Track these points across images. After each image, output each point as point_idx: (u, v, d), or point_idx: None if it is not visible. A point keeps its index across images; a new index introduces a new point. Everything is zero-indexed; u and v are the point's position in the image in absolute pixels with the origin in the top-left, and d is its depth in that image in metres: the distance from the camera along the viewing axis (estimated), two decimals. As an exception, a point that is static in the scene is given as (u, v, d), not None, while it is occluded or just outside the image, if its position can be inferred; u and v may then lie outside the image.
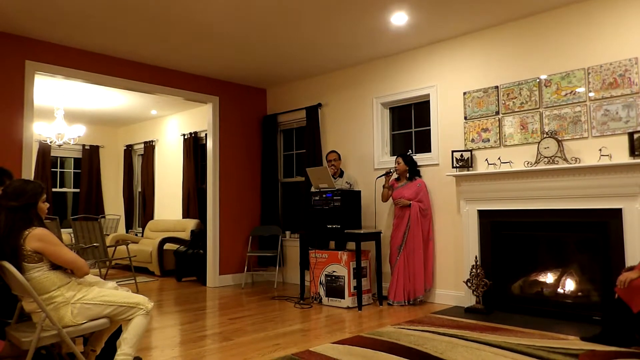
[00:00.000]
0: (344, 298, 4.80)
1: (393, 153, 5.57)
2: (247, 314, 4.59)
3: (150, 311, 2.65)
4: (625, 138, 3.84)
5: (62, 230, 6.35)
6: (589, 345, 3.28)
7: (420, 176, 5.04)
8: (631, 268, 3.30)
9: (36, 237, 2.43)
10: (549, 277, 4.40)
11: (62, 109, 7.35)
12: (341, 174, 5.48)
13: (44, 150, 8.74)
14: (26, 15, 4.28)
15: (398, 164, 5.02)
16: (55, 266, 2.50)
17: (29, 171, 4.71)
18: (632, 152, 3.76)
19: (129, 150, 9.57)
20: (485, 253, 4.58)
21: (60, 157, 9.48)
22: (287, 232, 6.60)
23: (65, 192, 9.62)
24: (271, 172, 6.73)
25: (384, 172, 5.11)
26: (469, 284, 4.50)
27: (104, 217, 9.40)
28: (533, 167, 4.23)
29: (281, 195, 6.86)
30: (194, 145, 8.02)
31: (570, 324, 3.90)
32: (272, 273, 6.53)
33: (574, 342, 3.37)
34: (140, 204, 9.31)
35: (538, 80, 4.35)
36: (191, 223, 7.54)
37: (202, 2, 4.06)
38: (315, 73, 6.19)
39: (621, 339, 3.24)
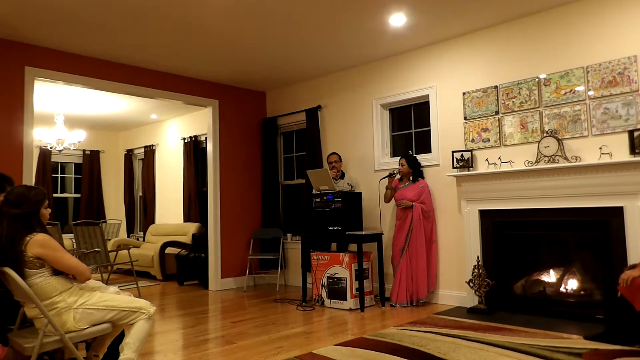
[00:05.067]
0: (346, 300, 4.80)
1: (393, 154, 5.57)
2: (249, 317, 4.58)
3: (153, 315, 2.65)
4: (626, 136, 3.84)
5: (64, 235, 6.35)
6: (592, 344, 3.27)
7: (423, 177, 5.03)
8: (633, 266, 3.29)
9: (37, 243, 2.43)
10: (551, 277, 4.39)
11: (62, 114, 7.36)
12: (342, 176, 5.48)
13: (45, 155, 8.74)
14: (25, 21, 4.29)
15: (402, 165, 5.00)
16: (57, 272, 2.49)
17: (29, 177, 4.71)
18: (633, 150, 3.76)
19: (129, 155, 9.58)
20: (487, 253, 4.58)
21: (61, 163, 9.49)
22: (289, 235, 6.59)
23: (66, 198, 9.63)
24: (272, 174, 6.73)
25: (386, 173, 5.11)
26: (471, 284, 4.49)
27: (105, 222, 9.40)
28: (533, 167, 4.23)
29: (282, 198, 6.86)
30: (194, 149, 8.02)
31: (574, 323, 3.89)
32: (274, 276, 6.52)
33: (577, 341, 3.36)
34: (141, 209, 9.31)
35: (537, 79, 4.36)
36: (192, 227, 7.54)
37: (201, 6, 4.07)
38: (314, 75, 6.19)
39: (625, 338, 3.23)
